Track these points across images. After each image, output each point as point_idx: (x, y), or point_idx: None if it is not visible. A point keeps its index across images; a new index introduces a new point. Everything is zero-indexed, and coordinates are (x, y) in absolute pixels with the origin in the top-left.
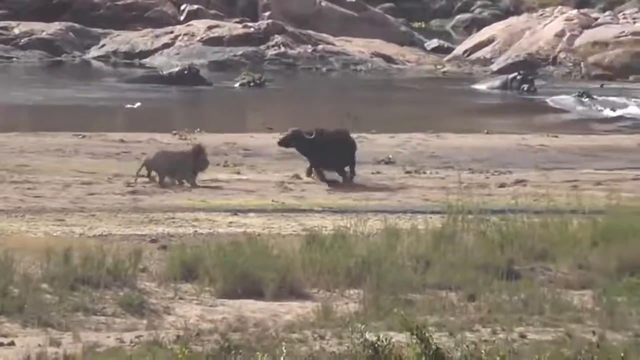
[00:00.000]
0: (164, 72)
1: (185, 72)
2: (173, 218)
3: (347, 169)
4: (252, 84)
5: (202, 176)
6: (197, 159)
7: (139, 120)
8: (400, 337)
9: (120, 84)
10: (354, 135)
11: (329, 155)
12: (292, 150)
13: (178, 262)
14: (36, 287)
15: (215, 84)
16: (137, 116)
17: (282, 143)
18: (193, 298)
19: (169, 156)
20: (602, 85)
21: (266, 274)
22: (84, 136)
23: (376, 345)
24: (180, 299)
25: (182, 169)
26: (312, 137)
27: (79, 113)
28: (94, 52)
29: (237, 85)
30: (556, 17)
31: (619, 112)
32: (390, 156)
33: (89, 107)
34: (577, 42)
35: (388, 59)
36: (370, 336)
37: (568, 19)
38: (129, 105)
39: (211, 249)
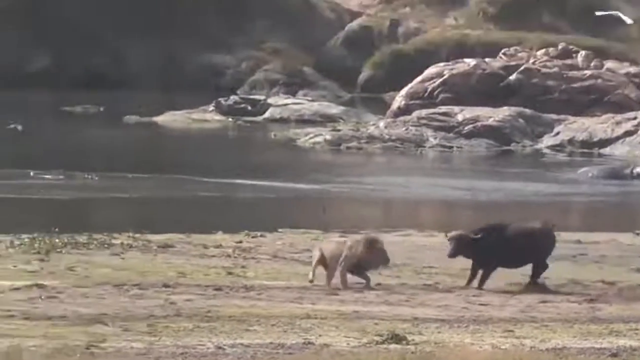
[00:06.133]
0: (627, 170)
1: None
2: (636, 330)
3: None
4: None
5: None
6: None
7: (597, 219)
8: None
9: (574, 176)
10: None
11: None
12: None
13: None
14: None
15: None
16: (596, 214)
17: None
18: None
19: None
20: None
21: None
22: None
23: None
24: None
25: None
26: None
27: (532, 210)
28: (547, 140)
29: None
30: None
31: None
32: None
33: (540, 203)
34: None
35: None
36: None
37: None
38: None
39: None
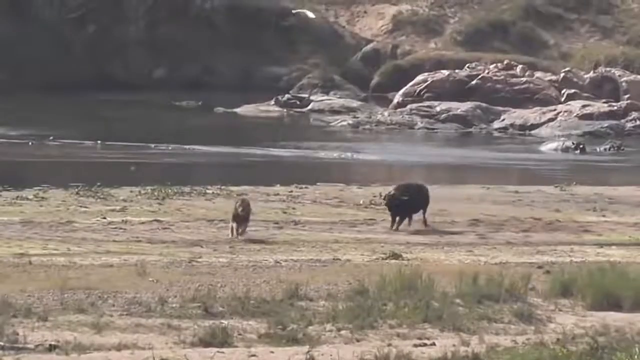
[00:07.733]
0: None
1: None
2: (555, 250)
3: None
4: (613, 148)
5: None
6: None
7: (529, 176)
8: None
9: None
10: None
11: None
12: None
13: (558, 283)
14: (451, 302)
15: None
16: (528, 173)
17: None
18: (569, 310)
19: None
20: None
21: (625, 292)
22: (488, 188)
23: None
24: (559, 310)
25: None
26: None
27: (485, 171)
28: (496, 124)
29: (602, 149)
30: None
31: None
32: None
33: (491, 166)
34: None
35: None
36: None
37: None
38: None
39: (583, 273)
